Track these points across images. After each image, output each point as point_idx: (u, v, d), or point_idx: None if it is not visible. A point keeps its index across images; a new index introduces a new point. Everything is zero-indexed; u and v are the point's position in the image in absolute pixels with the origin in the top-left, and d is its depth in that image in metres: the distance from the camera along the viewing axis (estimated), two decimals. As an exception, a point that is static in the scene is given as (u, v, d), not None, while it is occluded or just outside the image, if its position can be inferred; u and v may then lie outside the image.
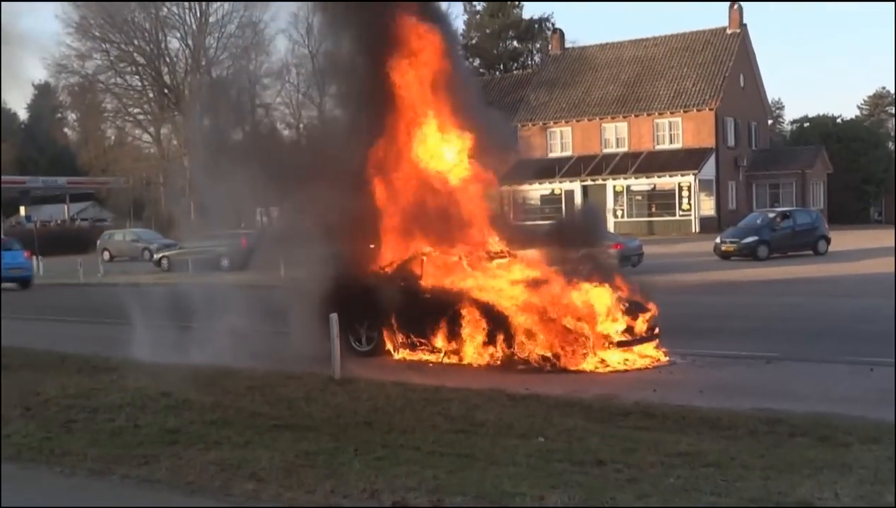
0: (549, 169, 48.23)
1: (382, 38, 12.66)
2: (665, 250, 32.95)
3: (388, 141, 12.91)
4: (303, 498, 6.24)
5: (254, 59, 56.45)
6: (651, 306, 11.98)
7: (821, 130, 58.71)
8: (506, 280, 12.20)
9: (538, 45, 68.31)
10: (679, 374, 10.85)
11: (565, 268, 12.70)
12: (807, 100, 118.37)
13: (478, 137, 12.98)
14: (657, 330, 11.94)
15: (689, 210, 47.37)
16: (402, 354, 12.52)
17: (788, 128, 75.12)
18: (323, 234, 13.34)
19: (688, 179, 47.28)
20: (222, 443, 7.73)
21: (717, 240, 30.22)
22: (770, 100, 60.54)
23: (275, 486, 6.48)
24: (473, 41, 67.91)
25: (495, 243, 13.26)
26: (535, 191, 48.22)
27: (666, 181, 48.01)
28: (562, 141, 52.41)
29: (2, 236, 32.93)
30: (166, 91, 57.82)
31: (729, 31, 51.11)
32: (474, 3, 68.16)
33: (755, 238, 29.16)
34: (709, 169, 48.13)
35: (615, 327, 11.48)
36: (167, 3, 56.89)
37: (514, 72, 64.56)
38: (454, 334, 11.87)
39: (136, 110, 60.64)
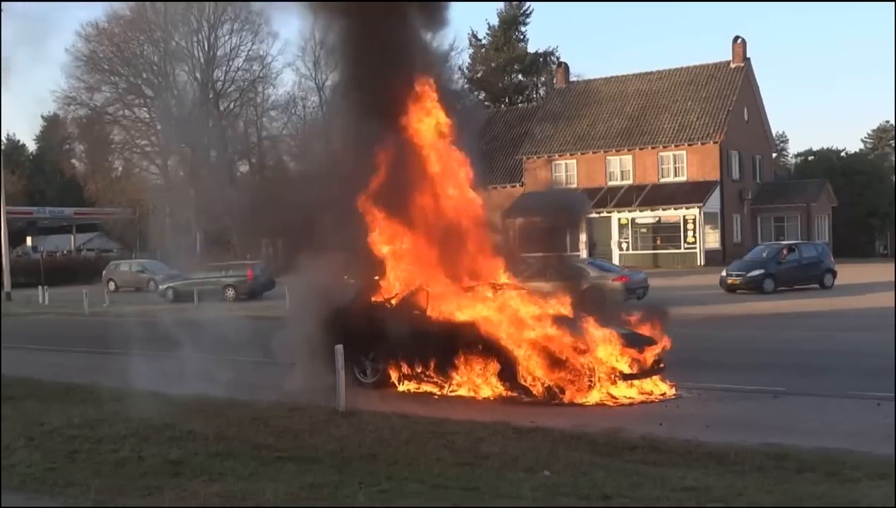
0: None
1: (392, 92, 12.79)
2: (670, 283, 32.88)
3: (392, 174, 12.96)
4: (307, 531, 6.20)
5: (261, 92, 56.99)
6: (659, 339, 11.95)
7: (825, 164, 58.83)
8: (511, 312, 12.19)
9: (543, 79, 68.76)
10: (685, 408, 10.80)
11: (571, 301, 12.71)
12: (811, 134, 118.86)
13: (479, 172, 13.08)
14: (663, 364, 11.90)
15: (694, 243, 47.36)
16: (407, 386, 12.48)
17: (793, 161, 75.32)
18: (328, 266, 13.36)
19: (692, 212, 47.32)
20: (226, 475, 7.69)
21: (723, 273, 30.15)
22: (774, 134, 60.70)
23: (279, 519, 6.45)
24: (479, 74, 68.39)
25: (501, 275, 13.27)
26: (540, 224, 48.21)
27: (671, 214, 48.05)
28: (566, 173, 52.55)
29: None
30: (173, 123, 58.24)
31: (733, 65, 51.42)
32: (479, 37, 68.72)
33: (761, 271, 29.10)
34: (713, 202, 48.19)
35: (621, 360, 11.44)
36: (175, 37, 57.52)
37: (520, 105, 64.94)
38: (459, 366, 11.84)
39: (144, 142, 61.07)
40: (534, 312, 12.23)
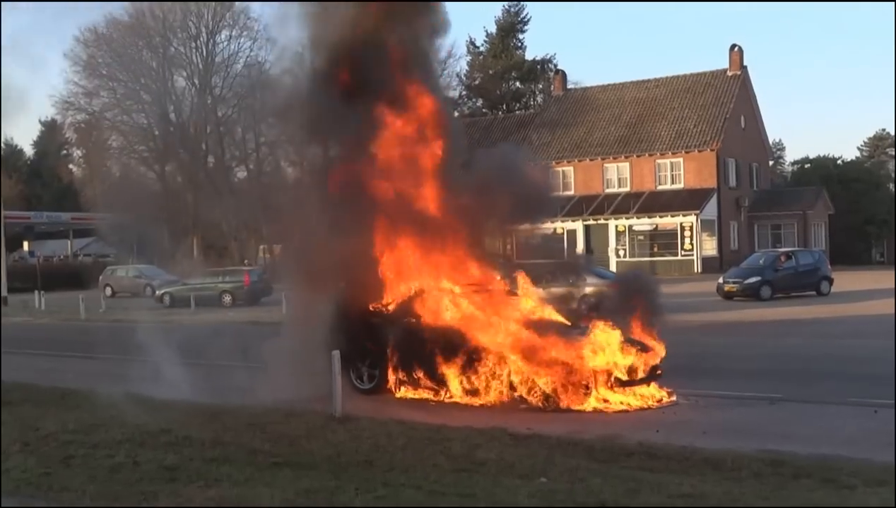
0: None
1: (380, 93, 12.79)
2: (667, 290, 32.75)
3: (387, 180, 12.97)
4: (303, 537, 6.18)
5: (259, 98, 56.99)
6: (655, 346, 11.95)
7: (822, 172, 58.99)
8: (508, 318, 12.18)
9: (541, 86, 68.86)
10: (682, 415, 10.80)
11: (568, 307, 12.71)
12: (807, 142, 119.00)
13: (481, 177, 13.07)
14: (660, 371, 11.90)
15: (691, 250, 47.41)
16: (404, 392, 12.47)
17: (789, 169, 75.46)
18: (325, 272, 13.35)
19: (689, 219, 47.39)
20: (222, 480, 7.66)
21: (720, 281, 30.19)
22: (771, 142, 60.87)
23: (274, 525, 6.42)
24: (476, 82, 68.48)
25: (498, 281, 13.27)
26: (538, 230, 48.29)
27: (668, 221, 48.12)
28: (563, 180, 52.61)
29: None
30: (171, 129, 58.30)
31: (730, 73, 51.56)
32: (477, 45, 68.84)
33: (758, 278, 29.13)
34: (710, 209, 48.27)
35: (618, 367, 11.44)
36: (174, 43, 57.58)
37: (517, 112, 65.00)
38: (456, 372, 11.83)
39: (142, 147, 61.08)
40: (531, 317, 12.24)
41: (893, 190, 63.67)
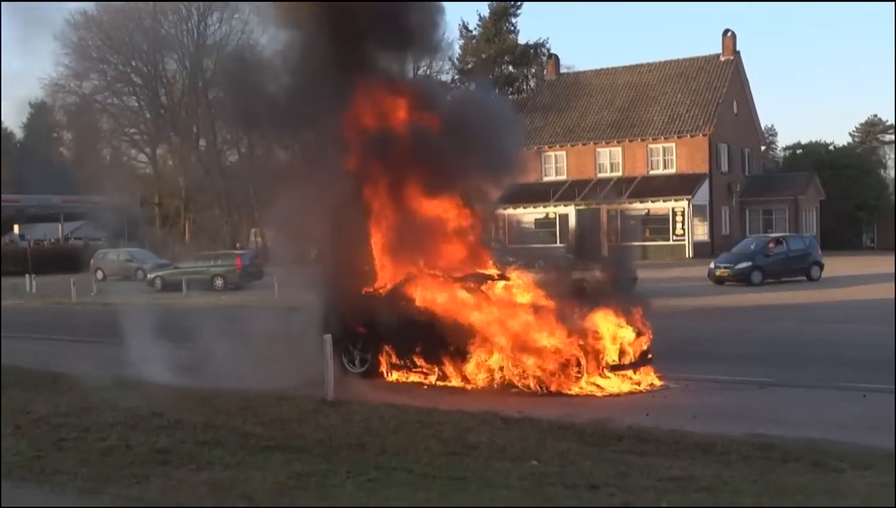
0: (544, 193, 48.41)
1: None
2: (659, 275, 32.96)
3: (381, 163, 12.92)
4: (294, 520, 6.20)
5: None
6: (646, 330, 11.99)
7: (813, 157, 59.08)
8: (500, 303, 12.21)
9: (533, 71, 68.66)
10: (673, 399, 10.85)
11: (559, 292, 12.73)
12: (799, 127, 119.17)
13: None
14: (651, 355, 11.95)
15: (683, 235, 47.49)
16: (396, 376, 12.50)
17: (781, 154, 75.51)
18: (317, 256, 13.34)
19: (681, 204, 47.44)
20: (214, 464, 7.68)
21: (712, 266, 30.27)
22: (763, 127, 60.86)
23: (266, 507, 6.44)
24: (469, 66, 68.24)
25: (490, 266, 13.28)
26: (530, 214, 48.35)
27: (660, 206, 48.17)
28: (556, 165, 52.59)
29: None
30: (163, 111, 58.01)
31: (722, 59, 51.51)
32: (470, 28, 68.55)
33: (749, 263, 29.22)
34: (702, 194, 48.32)
35: (609, 351, 11.48)
36: (165, 25, 57.20)
37: (510, 96, 64.86)
38: (447, 356, 11.86)
39: (133, 130, 60.77)
40: (523, 302, 12.27)
41: (894, 177, 63.87)
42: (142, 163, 62.43)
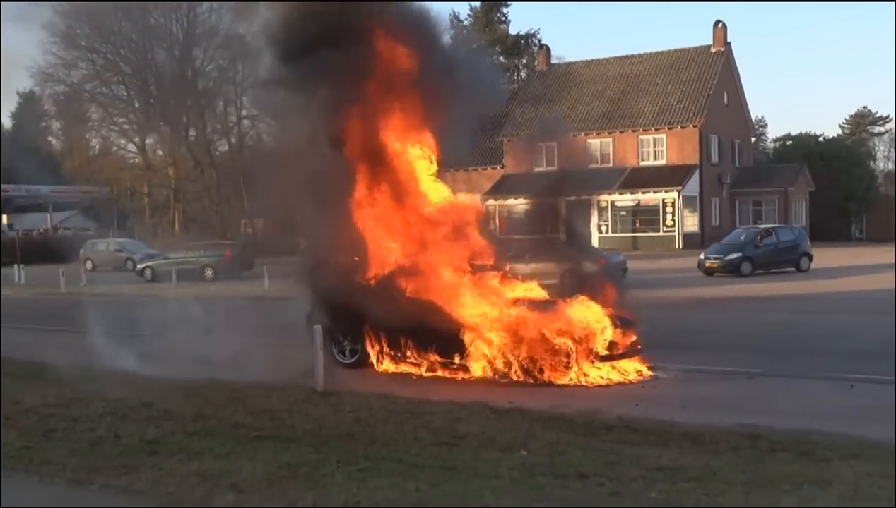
0: (534, 183, 48.39)
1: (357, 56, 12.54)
2: (649, 266, 33.07)
3: (371, 152, 12.87)
4: (284, 510, 6.21)
5: (240, 71, 56.44)
6: (635, 321, 12.02)
7: (803, 149, 59.26)
8: (490, 293, 12.21)
9: (524, 61, 68.65)
10: (662, 389, 10.89)
11: (550, 282, 12.75)
12: (789, 119, 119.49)
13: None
14: (640, 345, 11.98)
15: (673, 226, 47.61)
16: (386, 366, 12.50)
17: (771, 146, 75.77)
18: (307, 246, 13.31)
19: (672, 195, 47.54)
20: (203, 454, 7.67)
21: (701, 257, 30.36)
22: (753, 118, 61.00)
23: (256, 497, 6.44)
24: (460, 56, 68.10)
25: (481, 256, 13.26)
26: (521, 205, 48.35)
27: (650, 197, 48.27)
28: (547, 156, 52.56)
29: None
30: (152, 101, 57.70)
31: (713, 50, 51.55)
32: (461, 19, 68.42)
33: (738, 254, 29.31)
34: (692, 185, 48.42)
35: (599, 341, 11.50)
36: (154, 14, 56.82)
37: (501, 87, 64.75)
38: (437, 347, 11.87)
39: (122, 120, 60.46)
40: (512, 294, 12.27)
41: (894, 169, 64.05)
42: (131, 153, 62.17)
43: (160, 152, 60.90)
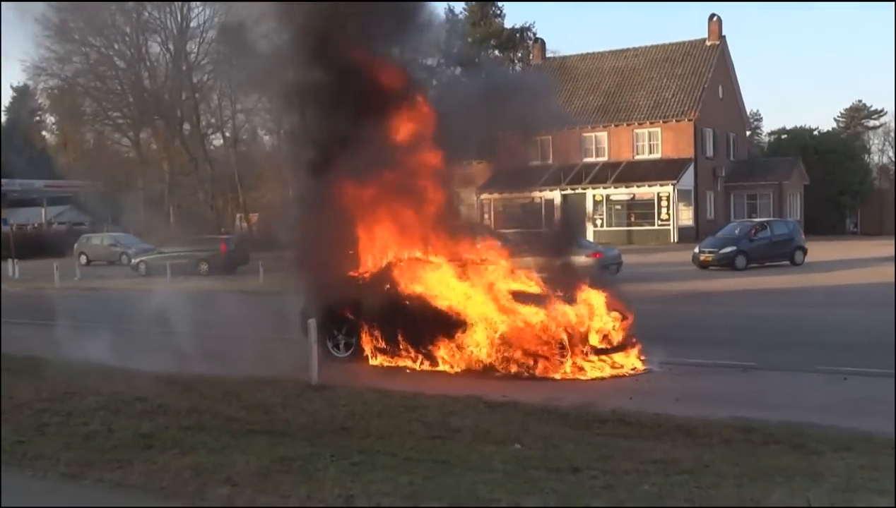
0: (529, 177, 48.40)
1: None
2: (644, 259, 33.12)
3: (365, 147, 12.87)
4: (278, 503, 6.20)
5: (235, 65, 56.21)
6: (629, 314, 12.04)
7: (798, 142, 59.30)
8: (485, 287, 12.21)
9: (519, 55, 68.53)
10: (655, 382, 10.91)
11: (545, 276, 12.75)
12: (784, 113, 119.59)
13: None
14: (635, 339, 11.99)
15: (668, 220, 47.67)
16: (380, 360, 12.50)
17: (766, 139, 75.86)
18: (301, 241, 13.29)
19: (667, 189, 47.59)
20: (197, 448, 7.67)
21: (696, 250, 30.42)
22: (748, 112, 61.13)
23: (250, 491, 6.45)
24: (455, 50, 68.00)
25: (476, 250, 13.27)
26: (516, 199, 48.29)
27: (645, 191, 48.31)
28: (542, 150, 52.53)
29: None
30: (146, 95, 57.49)
31: (708, 43, 51.56)
32: (456, 12, 68.30)
33: (733, 248, 29.37)
34: (687, 179, 48.47)
35: (593, 335, 11.52)
36: (148, 8, 56.58)
37: (496, 80, 64.62)
38: (432, 341, 11.87)
39: (116, 114, 60.21)
40: (508, 286, 12.27)
41: (892, 162, 64.12)
42: (125, 147, 61.91)
43: (154, 146, 60.67)
